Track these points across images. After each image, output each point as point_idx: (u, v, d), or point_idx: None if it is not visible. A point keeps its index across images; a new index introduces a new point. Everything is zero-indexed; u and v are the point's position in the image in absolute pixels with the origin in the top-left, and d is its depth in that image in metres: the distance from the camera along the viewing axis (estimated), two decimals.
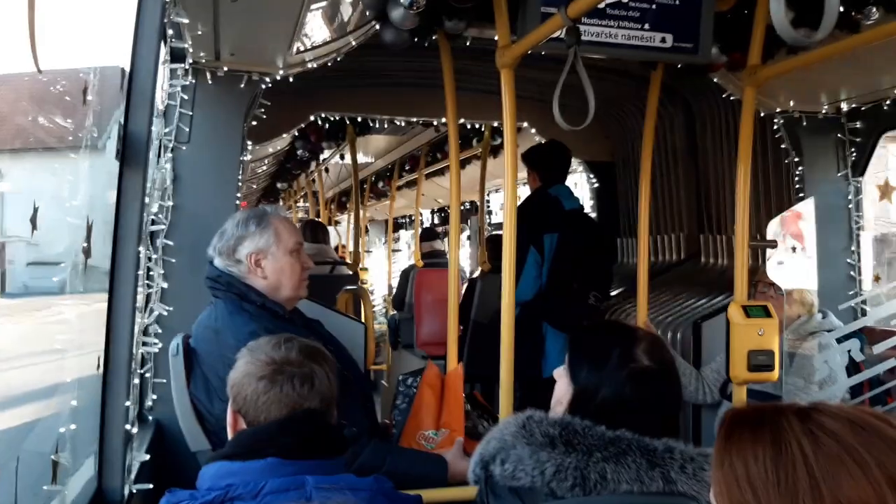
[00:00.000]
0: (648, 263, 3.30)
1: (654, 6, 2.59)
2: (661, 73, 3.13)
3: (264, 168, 7.87)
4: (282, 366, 1.63)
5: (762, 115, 3.55)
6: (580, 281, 3.78)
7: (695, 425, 3.44)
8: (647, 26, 2.58)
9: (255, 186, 9.86)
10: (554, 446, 1.55)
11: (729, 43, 2.90)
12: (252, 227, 2.37)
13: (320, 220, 8.55)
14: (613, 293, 4.50)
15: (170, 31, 2.52)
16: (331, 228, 10.84)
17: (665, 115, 4.47)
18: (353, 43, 2.85)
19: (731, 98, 3.45)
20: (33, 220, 1.30)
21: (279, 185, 10.25)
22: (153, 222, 2.71)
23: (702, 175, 4.39)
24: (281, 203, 12.04)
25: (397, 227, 14.64)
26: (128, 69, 1.93)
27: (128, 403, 1.97)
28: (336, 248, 9.01)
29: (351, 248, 6.53)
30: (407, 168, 8.29)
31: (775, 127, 3.64)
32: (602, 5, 2.46)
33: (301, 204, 12.80)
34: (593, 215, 5.23)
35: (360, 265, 7.27)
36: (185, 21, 2.32)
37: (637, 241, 3.27)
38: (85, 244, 1.72)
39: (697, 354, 3.47)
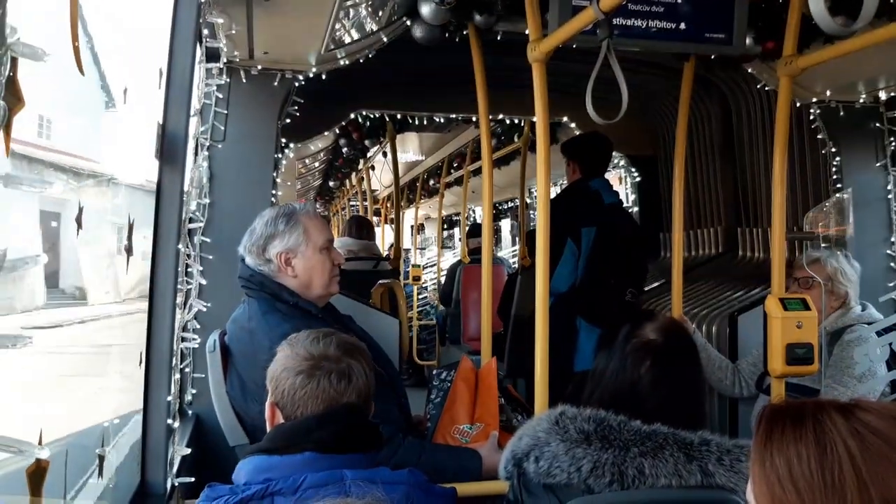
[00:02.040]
0: (685, 257, 3.27)
1: None
2: (694, 65, 3.10)
3: (317, 165, 7.94)
4: (319, 361, 1.64)
5: (798, 104, 3.50)
6: (617, 276, 3.75)
7: (731, 419, 3.41)
8: (680, 17, 2.56)
9: (311, 182, 9.94)
10: (590, 442, 1.55)
11: (763, 33, 2.86)
12: (281, 225, 2.36)
13: (367, 217, 8.59)
14: (652, 286, 4.47)
15: (205, 31, 2.55)
16: (387, 227, 10.88)
17: (701, 107, 4.43)
18: (385, 39, 2.86)
19: (767, 88, 3.40)
20: (79, 220, 1.33)
21: (331, 184, 10.31)
22: (191, 220, 2.75)
23: (738, 167, 4.34)
24: (335, 201, 12.11)
25: (452, 224, 14.64)
26: (165, 69, 1.97)
27: (169, 398, 2.00)
28: (392, 247, 9.07)
29: (400, 245, 6.56)
30: (455, 165, 8.31)
31: (811, 117, 3.59)
32: None
33: (353, 203, 12.81)
34: (635, 210, 5.19)
35: (413, 263, 7.29)
36: (220, 21, 2.35)
37: (672, 235, 3.24)
38: (126, 242, 1.76)
39: (733, 348, 3.43)
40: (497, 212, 14.21)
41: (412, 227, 12.54)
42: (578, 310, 3.69)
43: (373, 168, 8.49)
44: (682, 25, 2.56)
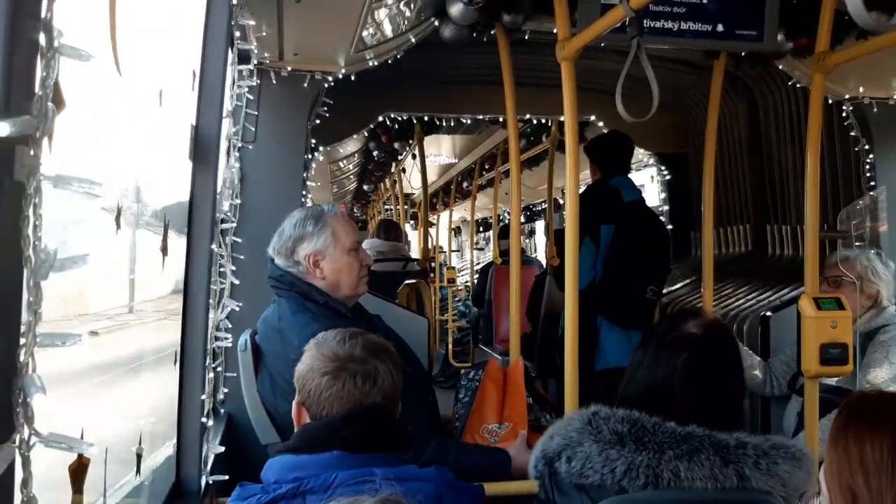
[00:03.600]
0: (714, 255, 3.24)
1: None
2: (724, 62, 3.07)
3: (351, 168, 8.00)
4: (345, 362, 1.65)
5: (829, 101, 3.46)
6: (637, 274, 3.72)
7: (763, 417, 3.37)
8: (709, 14, 2.54)
9: (347, 186, 10.01)
10: (623, 444, 1.53)
11: (794, 29, 2.82)
12: (309, 227, 2.37)
13: (397, 220, 8.63)
14: (681, 285, 4.44)
15: (236, 33, 2.58)
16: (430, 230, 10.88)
17: (730, 103, 4.39)
18: (413, 40, 2.87)
19: (797, 85, 3.35)
20: (117, 220, 1.35)
21: (366, 188, 10.35)
22: (223, 220, 2.78)
23: (767, 165, 4.30)
24: (371, 205, 12.14)
25: (487, 226, 14.60)
26: (198, 71, 1.99)
27: (203, 397, 2.02)
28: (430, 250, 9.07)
29: (441, 248, 6.61)
30: (487, 167, 8.31)
31: (844, 114, 3.54)
32: None
33: (388, 207, 12.87)
34: (665, 208, 5.15)
35: (448, 265, 7.31)
36: (251, 23, 2.37)
37: (702, 233, 3.21)
38: (162, 242, 1.78)
39: (766, 347, 3.40)
40: (531, 213, 14.16)
41: (449, 230, 12.57)
42: (598, 308, 3.66)
43: (403, 171, 8.51)
44: (713, 22, 2.54)
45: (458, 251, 14.70)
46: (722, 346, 1.68)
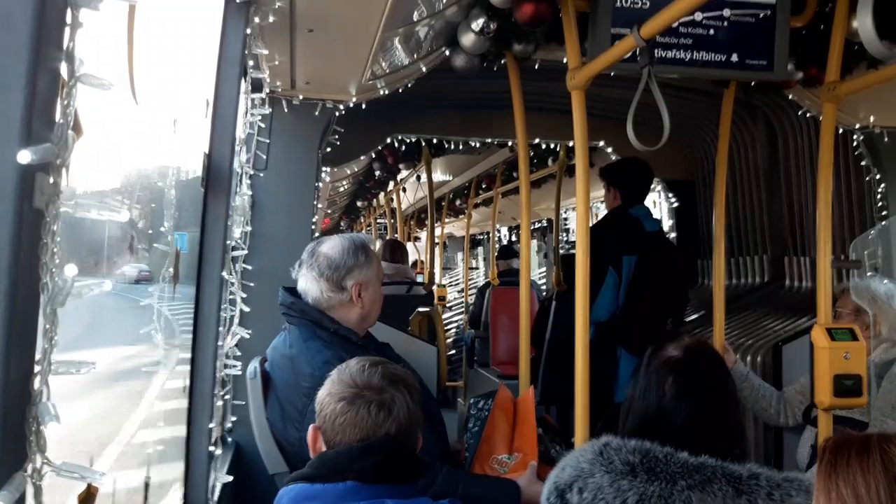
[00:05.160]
0: (727, 285, 3.22)
1: (726, 24, 2.55)
2: (735, 91, 3.07)
3: (346, 187, 8.05)
4: (362, 390, 1.65)
5: (840, 130, 3.46)
6: (660, 306, 3.70)
7: (776, 448, 3.33)
8: (720, 44, 2.55)
9: (337, 203, 10.08)
10: (635, 474, 1.52)
11: (804, 59, 2.84)
12: (361, 258, 2.41)
13: (398, 238, 8.67)
14: (693, 316, 4.41)
15: (249, 63, 2.61)
16: (409, 245, 10.95)
17: (745, 132, 4.39)
18: (424, 69, 2.90)
19: (809, 114, 3.36)
20: (131, 247, 1.36)
21: (359, 204, 10.44)
22: (234, 248, 2.79)
23: (784, 194, 4.28)
24: (361, 220, 12.28)
25: (475, 244, 14.71)
26: (211, 100, 2.01)
27: (211, 425, 2.01)
28: (414, 264, 9.07)
29: (428, 265, 6.62)
30: (483, 186, 8.36)
31: (855, 143, 3.54)
32: (674, 24, 2.43)
33: (380, 221, 13.04)
34: (672, 236, 5.14)
35: (438, 283, 7.34)
36: (265, 52, 2.39)
37: (714, 262, 3.20)
38: (172, 269, 1.79)
39: (778, 378, 3.37)
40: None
41: (435, 245, 12.59)
42: (619, 339, 3.64)
43: (404, 189, 8.57)
44: (723, 52, 2.55)
45: (448, 269, 14.70)
46: (704, 362, 1.73)
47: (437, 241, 7.12)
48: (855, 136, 3.50)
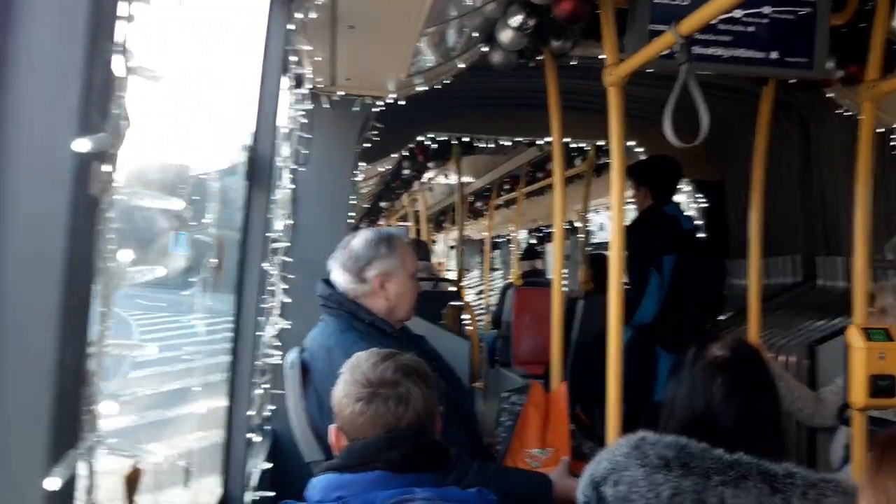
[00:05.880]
0: (760, 285, 3.19)
1: (766, 20, 2.53)
2: (773, 89, 3.04)
3: (370, 188, 8.11)
4: (377, 388, 1.67)
5: (882, 130, 3.40)
6: (697, 305, 3.68)
7: (809, 448, 3.30)
8: (759, 41, 2.53)
9: (361, 205, 10.15)
10: (670, 469, 1.53)
11: (844, 57, 2.80)
12: (383, 249, 2.42)
13: (422, 238, 8.72)
14: (724, 316, 4.37)
15: (292, 58, 2.65)
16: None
17: (779, 131, 4.33)
18: (462, 66, 2.91)
19: (847, 113, 3.31)
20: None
21: (382, 204, 10.49)
22: (275, 240, 2.83)
23: (818, 193, 4.22)
24: (382, 222, 12.37)
25: (494, 246, 14.75)
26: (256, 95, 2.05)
27: (251, 413, 2.05)
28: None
29: (450, 265, 6.68)
30: (506, 187, 8.35)
31: (893, 143, 3.48)
32: (713, 21, 2.42)
33: (401, 223, 13.11)
34: (701, 235, 5.10)
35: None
36: (307, 48, 2.43)
37: (748, 262, 3.17)
38: (216, 260, 1.83)
39: (812, 379, 3.33)
40: (543, 234, 14.21)
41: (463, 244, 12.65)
42: (659, 339, 3.62)
43: (431, 189, 8.60)
44: (763, 49, 2.53)
45: (468, 270, 14.77)
46: (751, 361, 1.72)
47: (460, 241, 7.13)
48: (893, 136, 3.44)
